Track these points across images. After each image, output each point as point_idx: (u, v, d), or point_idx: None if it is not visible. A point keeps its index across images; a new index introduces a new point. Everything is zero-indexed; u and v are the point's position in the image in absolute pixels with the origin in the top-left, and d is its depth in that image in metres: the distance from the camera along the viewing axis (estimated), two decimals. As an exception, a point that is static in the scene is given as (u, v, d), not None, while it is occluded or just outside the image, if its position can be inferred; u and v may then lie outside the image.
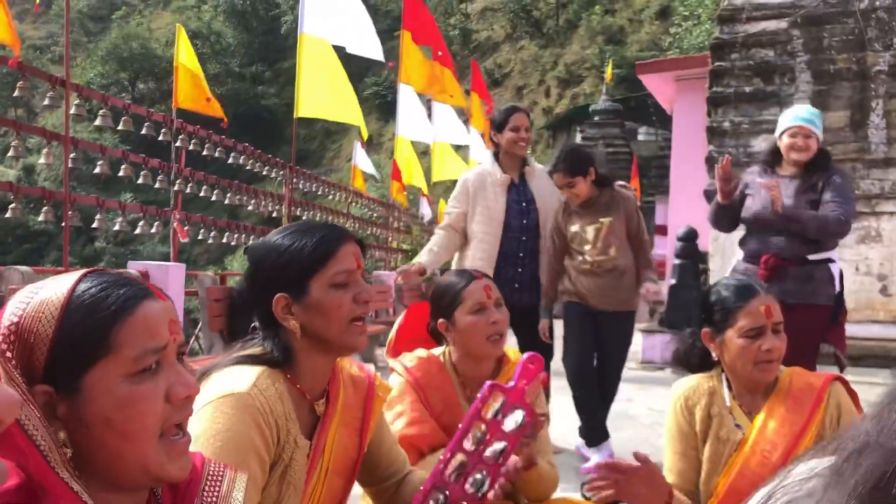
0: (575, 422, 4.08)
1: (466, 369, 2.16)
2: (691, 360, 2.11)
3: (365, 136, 7.81)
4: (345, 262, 1.56)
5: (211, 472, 1.17)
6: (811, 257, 3.50)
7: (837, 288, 3.58)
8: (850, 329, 7.15)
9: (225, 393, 1.46)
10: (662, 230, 17.60)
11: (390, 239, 12.52)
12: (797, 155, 3.54)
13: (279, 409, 1.51)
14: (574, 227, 3.92)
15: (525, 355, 1.50)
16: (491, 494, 1.53)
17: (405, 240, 13.02)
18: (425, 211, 16.77)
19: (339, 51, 7.57)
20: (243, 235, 7.89)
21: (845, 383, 2.00)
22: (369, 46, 7.43)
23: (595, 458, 3.82)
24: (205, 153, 7.23)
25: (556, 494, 2.13)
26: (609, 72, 22.42)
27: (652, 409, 5.30)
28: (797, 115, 3.62)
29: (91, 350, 0.92)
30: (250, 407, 1.46)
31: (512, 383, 1.53)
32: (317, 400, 1.64)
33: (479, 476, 1.49)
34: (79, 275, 0.98)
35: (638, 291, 3.95)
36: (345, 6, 7.27)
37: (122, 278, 1.01)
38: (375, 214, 12.17)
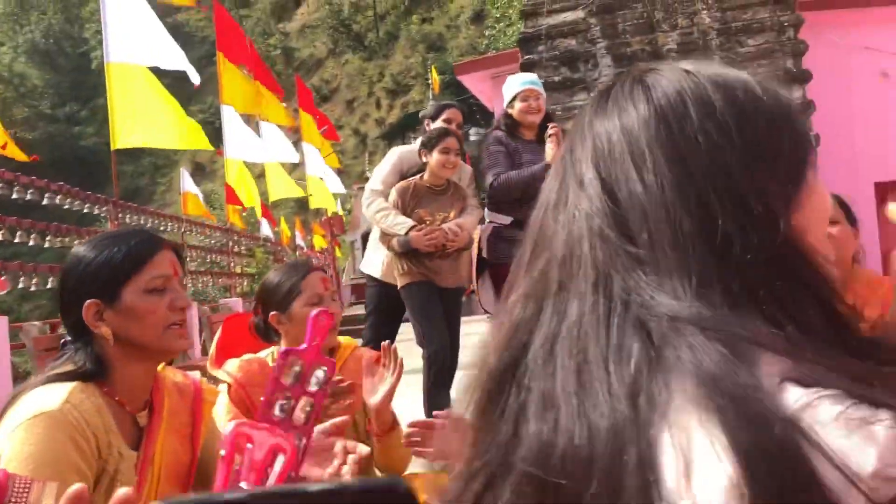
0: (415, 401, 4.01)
1: (297, 363, 2.16)
2: None
3: (209, 146, 7.63)
4: (161, 267, 1.55)
5: (16, 488, 1.13)
6: None
7: None
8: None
9: (34, 413, 1.40)
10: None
11: (233, 264, 12.15)
12: (533, 116, 3.69)
13: (96, 422, 1.47)
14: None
15: (313, 312, 1.54)
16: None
17: (248, 263, 12.70)
18: (266, 232, 16.43)
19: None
20: (71, 279, 7.44)
21: None
22: (179, 60, 7.25)
23: None
24: (14, 196, 6.76)
25: (410, 470, 2.18)
26: (435, 78, 22.86)
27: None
28: (524, 79, 3.75)
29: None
30: (63, 423, 1.41)
31: (304, 346, 1.55)
32: (139, 411, 1.60)
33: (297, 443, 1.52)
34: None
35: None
36: (146, 25, 7.05)
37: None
38: (213, 241, 11.76)
